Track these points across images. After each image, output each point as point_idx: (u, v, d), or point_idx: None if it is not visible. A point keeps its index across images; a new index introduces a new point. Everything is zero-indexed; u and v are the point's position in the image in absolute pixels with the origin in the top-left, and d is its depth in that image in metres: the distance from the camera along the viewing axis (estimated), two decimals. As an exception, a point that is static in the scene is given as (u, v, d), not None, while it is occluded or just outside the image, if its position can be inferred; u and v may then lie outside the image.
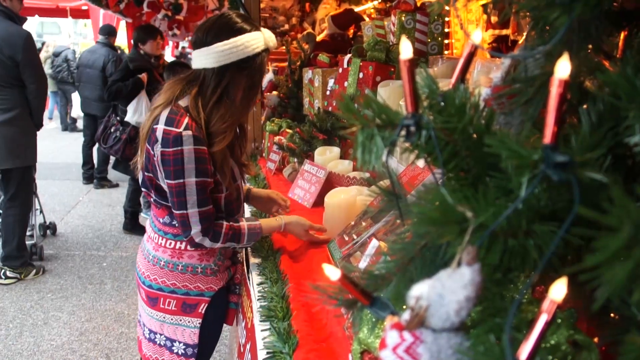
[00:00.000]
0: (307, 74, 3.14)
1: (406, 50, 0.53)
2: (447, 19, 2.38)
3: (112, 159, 5.20)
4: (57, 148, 8.97)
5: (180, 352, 1.66)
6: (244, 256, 1.92)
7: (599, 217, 0.39)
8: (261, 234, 1.66)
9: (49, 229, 4.81)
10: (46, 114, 9.73)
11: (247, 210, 2.26)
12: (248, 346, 1.50)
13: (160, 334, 1.66)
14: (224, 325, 1.79)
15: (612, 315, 0.62)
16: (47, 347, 3.09)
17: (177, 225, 1.56)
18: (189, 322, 1.64)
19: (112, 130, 4.53)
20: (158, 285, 1.63)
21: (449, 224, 0.50)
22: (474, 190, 0.53)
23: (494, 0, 0.76)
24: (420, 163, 0.81)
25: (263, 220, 1.71)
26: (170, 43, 11.36)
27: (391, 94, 1.99)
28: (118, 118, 4.57)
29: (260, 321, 1.34)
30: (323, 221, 1.86)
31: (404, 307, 0.51)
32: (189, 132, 1.45)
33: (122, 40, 9.45)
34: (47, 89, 3.93)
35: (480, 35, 0.64)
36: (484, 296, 0.53)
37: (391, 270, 0.61)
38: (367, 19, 4.22)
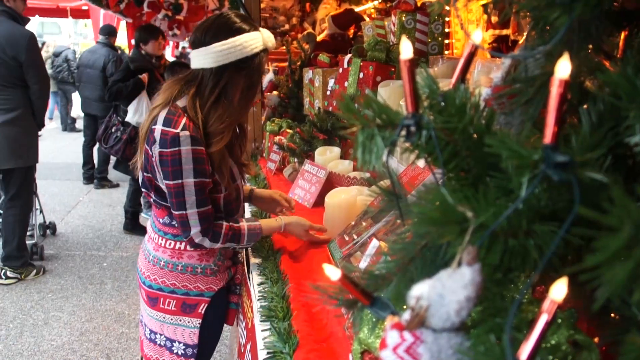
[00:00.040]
0: (308, 74, 3.14)
1: (406, 50, 0.53)
2: (447, 19, 2.38)
3: (112, 159, 5.21)
4: (58, 148, 8.98)
5: (180, 353, 1.66)
6: (245, 256, 1.92)
7: (599, 217, 0.39)
8: (261, 234, 1.66)
9: (49, 228, 4.81)
10: (46, 114, 9.74)
11: (248, 210, 2.26)
12: (248, 346, 1.50)
13: (161, 334, 1.66)
14: (225, 325, 1.79)
15: (612, 315, 0.62)
16: (47, 347, 3.09)
17: (176, 225, 1.56)
18: (188, 322, 1.64)
19: (113, 130, 4.54)
20: (158, 286, 1.63)
21: (450, 224, 0.50)
22: (475, 190, 0.53)
23: (494, 0, 0.76)
24: (421, 163, 0.81)
25: (263, 220, 1.71)
26: (171, 43, 11.35)
27: (391, 94, 1.99)
28: (119, 118, 4.57)
29: (261, 321, 1.34)
30: (323, 221, 1.86)
31: (405, 307, 0.51)
32: (187, 133, 1.45)
33: (122, 41, 9.45)
34: (50, 89, 3.93)
35: (480, 35, 0.64)
36: (484, 296, 0.53)
37: (391, 270, 0.61)
38: (367, 19, 4.22)
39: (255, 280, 1.60)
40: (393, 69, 2.33)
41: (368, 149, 0.54)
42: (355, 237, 1.52)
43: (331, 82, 2.76)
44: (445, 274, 0.48)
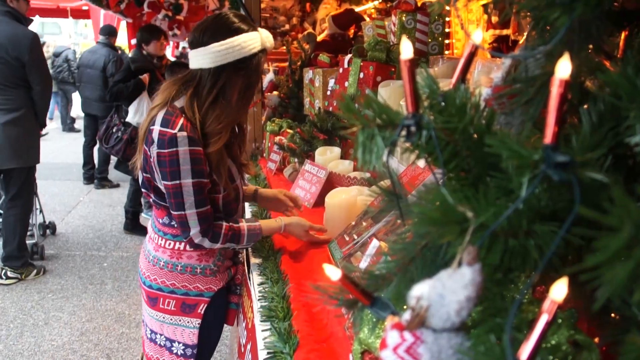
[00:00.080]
0: (308, 74, 3.14)
1: (407, 50, 0.53)
2: (447, 19, 2.38)
3: (113, 159, 5.21)
4: (58, 148, 8.98)
5: (179, 353, 1.66)
6: (245, 256, 1.92)
7: (599, 217, 0.39)
8: (261, 234, 1.66)
9: (49, 228, 4.82)
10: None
11: (248, 210, 2.26)
12: (249, 346, 1.50)
13: (161, 334, 1.66)
14: (225, 325, 1.79)
15: (612, 315, 0.62)
16: (47, 347, 3.09)
17: (176, 226, 1.56)
18: (188, 322, 1.64)
19: (113, 130, 4.54)
20: (158, 286, 1.63)
21: (450, 224, 0.50)
22: (475, 190, 0.53)
23: (495, 0, 0.76)
24: (421, 163, 0.81)
25: (263, 221, 1.71)
26: (171, 43, 11.35)
27: (392, 94, 1.99)
28: (120, 119, 4.58)
29: (261, 321, 1.34)
30: (324, 221, 1.86)
31: (405, 307, 0.51)
32: (184, 133, 1.45)
33: (122, 41, 9.45)
34: (52, 89, 3.94)
35: (480, 35, 0.64)
36: (484, 296, 0.53)
37: (392, 271, 0.61)
38: (367, 19, 4.22)
39: (255, 280, 1.60)
40: (393, 69, 2.33)
41: (368, 149, 0.54)
42: (355, 237, 1.52)
43: (331, 82, 2.76)
44: (446, 274, 0.48)
